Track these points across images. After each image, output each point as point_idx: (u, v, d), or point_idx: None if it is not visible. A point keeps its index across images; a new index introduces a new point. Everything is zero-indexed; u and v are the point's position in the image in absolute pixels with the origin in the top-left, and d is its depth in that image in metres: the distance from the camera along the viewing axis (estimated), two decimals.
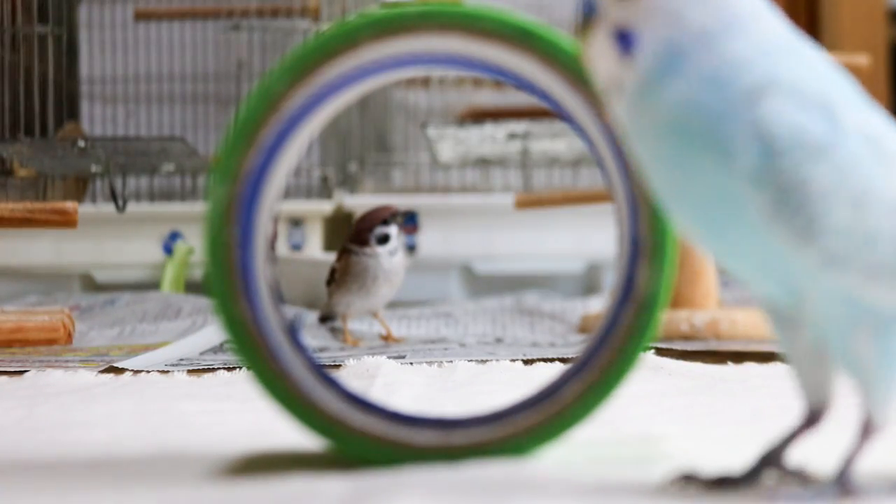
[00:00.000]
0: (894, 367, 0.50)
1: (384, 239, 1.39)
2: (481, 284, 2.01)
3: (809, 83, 0.50)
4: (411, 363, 1.12)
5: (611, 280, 1.69)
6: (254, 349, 0.61)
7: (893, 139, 0.50)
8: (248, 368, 0.62)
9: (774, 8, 0.53)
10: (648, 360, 1.08)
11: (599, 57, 0.52)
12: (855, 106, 0.50)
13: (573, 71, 0.62)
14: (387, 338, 1.43)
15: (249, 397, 0.83)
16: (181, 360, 1.21)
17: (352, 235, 1.41)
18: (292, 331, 0.63)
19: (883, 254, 0.49)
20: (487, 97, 2.26)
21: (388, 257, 1.39)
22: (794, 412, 0.55)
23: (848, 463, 0.51)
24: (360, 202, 2.08)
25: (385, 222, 1.40)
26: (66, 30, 1.99)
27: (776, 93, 0.49)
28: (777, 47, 0.51)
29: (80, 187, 2.09)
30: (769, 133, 0.49)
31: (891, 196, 0.49)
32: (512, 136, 1.96)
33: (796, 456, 0.54)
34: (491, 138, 1.98)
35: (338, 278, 1.41)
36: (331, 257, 1.91)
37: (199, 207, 1.96)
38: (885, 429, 0.51)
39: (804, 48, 0.51)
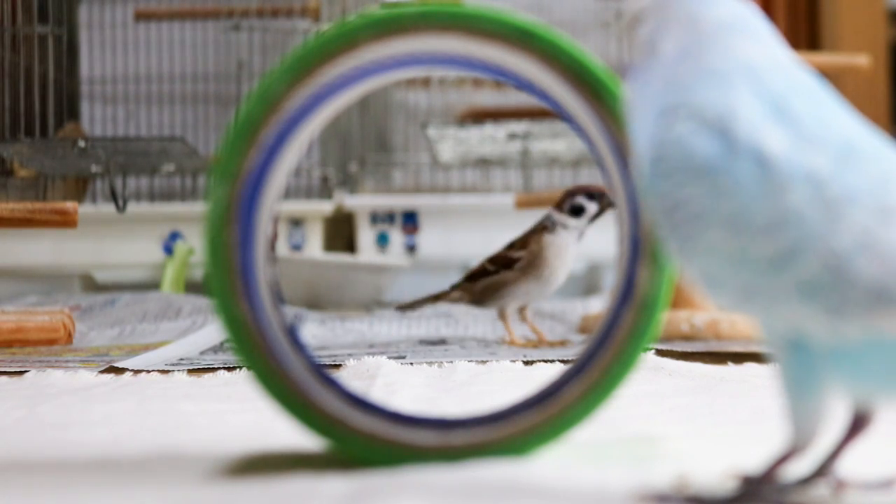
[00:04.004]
0: (808, 390, 0.50)
1: (579, 210, 1.37)
2: None
3: (715, 105, 0.50)
4: (411, 363, 1.12)
5: (611, 280, 1.68)
6: (254, 349, 0.61)
7: (826, 163, 0.48)
8: (248, 368, 0.62)
9: (758, 15, 0.53)
10: (649, 361, 1.08)
11: None
12: (786, 126, 0.49)
13: (573, 71, 0.62)
14: (539, 341, 1.39)
15: (249, 397, 0.83)
16: (181, 359, 1.21)
17: (557, 202, 1.39)
18: (292, 331, 0.63)
19: (753, 275, 0.49)
20: (487, 97, 2.26)
21: (573, 235, 1.36)
22: None
23: (762, 479, 0.52)
24: (360, 202, 2.08)
25: (590, 196, 1.37)
26: (66, 30, 1.99)
27: (677, 116, 0.50)
28: (720, 68, 0.51)
29: (80, 187, 2.09)
30: (659, 155, 0.50)
31: (766, 218, 0.48)
32: (512, 136, 1.96)
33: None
34: (491, 138, 1.98)
35: (524, 266, 1.37)
36: (331, 257, 1.91)
37: (199, 207, 1.96)
38: (805, 450, 0.51)
39: (767, 63, 0.51)
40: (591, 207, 1.37)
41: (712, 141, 0.49)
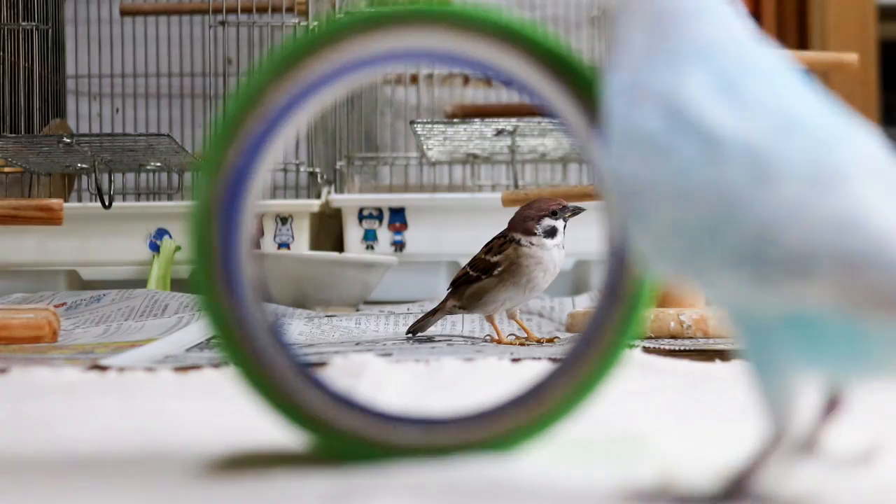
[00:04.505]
0: (774, 374, 0.50)
1: (552, 232, 1.36)
2: None
3: (664, 83, 0.51)
4: (398, 361, 1.11)
5: (598, 278, 1.68)
6: (238, 346, 0.61)
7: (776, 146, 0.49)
8: (233, 365, 0.61)
9: (733, 3, 0.54)
10: (636, 358, 1.08)
11: None
12: (737, 108, 0.50)
13: (558, 68, 0.62)
14: (528, 339, 1.39)
15: (235, 395, 0.83)
16: (167, 357, 1.21)
17: (515, 224, 1.38)
18: (277, 327, 0.63)
19: (691, 244, 0.49)
20: (476, 94, 2.26)
21: (558, 250, 1.36)
22: None
23: (747, 475, 0.51)
24: (347, 200, 2.08)
25: (554, 214, 1.36)
26: (51, 25, 1.98)
27: (633, 99, 0.52)
28: (674, 48, 0.52)
29: (65, 184, 2.09)
30: (614, 136, 0.52)
31: (703, 187, 0.49)
32: (500, 133, 1.96)
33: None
34: (479, 135, 1.98)
35: (502, 272, 1.36)
36: (319, 255, 1.91)
37: (186, 205, 1.95)
38: (784, 438, 0.51)
39: (721, 41, 0.52)
40: (560, 224, 1.36)
41: (657, 117, 0.51)
